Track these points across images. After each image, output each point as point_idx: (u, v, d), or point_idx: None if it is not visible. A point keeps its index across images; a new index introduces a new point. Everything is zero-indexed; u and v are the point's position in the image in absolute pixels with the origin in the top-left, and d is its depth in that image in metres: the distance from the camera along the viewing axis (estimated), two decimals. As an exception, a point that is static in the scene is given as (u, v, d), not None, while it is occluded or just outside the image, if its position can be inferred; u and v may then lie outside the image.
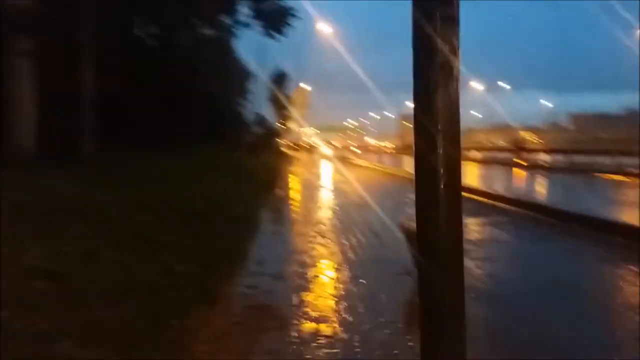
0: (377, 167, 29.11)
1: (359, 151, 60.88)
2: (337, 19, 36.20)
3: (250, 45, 43.27)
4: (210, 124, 28.20)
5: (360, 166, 31.83)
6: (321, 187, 18.29)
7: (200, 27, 35.04)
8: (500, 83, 78.03)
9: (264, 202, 11.75)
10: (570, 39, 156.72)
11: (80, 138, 14.29)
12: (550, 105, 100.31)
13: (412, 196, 1.19)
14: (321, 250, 7.34)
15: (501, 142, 51.29)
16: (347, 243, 7.61)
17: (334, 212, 11.31)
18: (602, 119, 80.00)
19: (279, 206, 12.46)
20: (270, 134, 46.53)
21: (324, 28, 32.38)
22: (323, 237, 8.37)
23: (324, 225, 9.52)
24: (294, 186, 18.68)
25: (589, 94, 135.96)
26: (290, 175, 23.86)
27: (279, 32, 38.62)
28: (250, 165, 18.79)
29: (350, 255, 6.88)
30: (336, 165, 31.93)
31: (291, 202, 13.75)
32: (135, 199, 7.65)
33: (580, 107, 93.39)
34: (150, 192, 8.36)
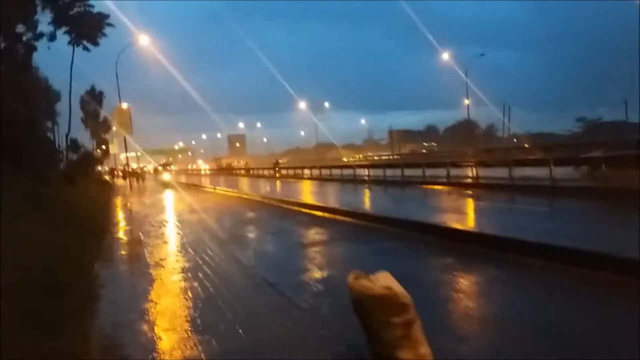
0: (225, 192, 25.30)
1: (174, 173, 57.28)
2: (160, 36, 33.15)
3: (59, 62, 37.22)
4: (8, 152, 22.63)
5: (205, 191, 27.48)
6: (166, 223, 13.43)
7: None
8: (325, 104, 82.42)
9: (90, 259, 7.86)
10: (380, 63, 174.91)
11: None
12: (364, 122, 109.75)
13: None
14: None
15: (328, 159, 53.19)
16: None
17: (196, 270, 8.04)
18: (409, 134, 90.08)
19: (115, 267, 7.90)
20: (87, 160, 40.37)
21: (145, 41, 29.08)
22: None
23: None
24: (131, 226, 13.24)
25: (397, 113, 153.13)
26: (121, 209, 19.00)
27: (93, 42, 33.81)
28: (65, 200, 14.91)
29: None
30: (175, 192, 27.09)
31: (130, 252, 9.16)
32: None
33: (389, 125, 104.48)
34: None
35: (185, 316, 4.94)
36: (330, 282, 5.96)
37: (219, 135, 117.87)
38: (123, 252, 9.15)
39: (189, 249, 8.67)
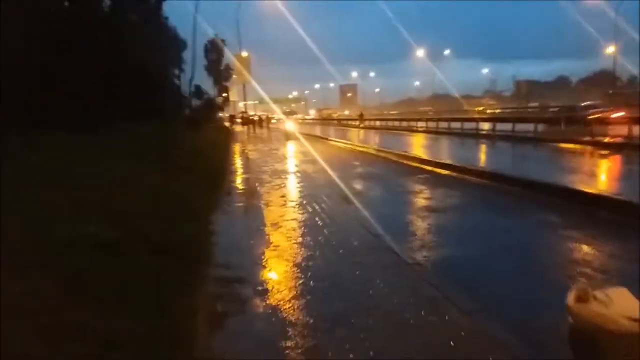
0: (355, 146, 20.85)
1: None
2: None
3: (184, 11, 38.41)
4: (139, 97, 23.85)
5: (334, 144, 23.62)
6: (282, 173, 12.31)
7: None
8: (444, 52, 77.00)
9: (220, 210, 7.52)
10: (504, 6, 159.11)
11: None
12: (485, 72, 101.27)
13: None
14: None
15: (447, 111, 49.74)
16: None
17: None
18: (537, 86, 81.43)
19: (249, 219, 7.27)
20: (209, 107, 42.05)
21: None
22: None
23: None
24: (248, 174, 12.48)
25: (521, 62, 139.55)
26: (239, 155, 18.79)
27: None
28: (188, 145, 15.05)
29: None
30: (290, 141, 25.25)
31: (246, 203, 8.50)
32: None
33: (512, 75, 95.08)
34: (27, 199, 4.89)
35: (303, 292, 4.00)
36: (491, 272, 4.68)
37: (331, 85, 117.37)
38: (240, 204, 8.61)
39: (307, 206, 7.81)
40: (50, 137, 9.25)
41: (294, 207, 7.82)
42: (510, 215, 7.34)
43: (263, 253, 5.31)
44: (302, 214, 7.27)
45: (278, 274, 4.66)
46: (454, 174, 11.24)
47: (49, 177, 5.58)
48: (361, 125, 41.60)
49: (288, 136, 27.24)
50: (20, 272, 3.49)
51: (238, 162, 16.39)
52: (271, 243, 5.74)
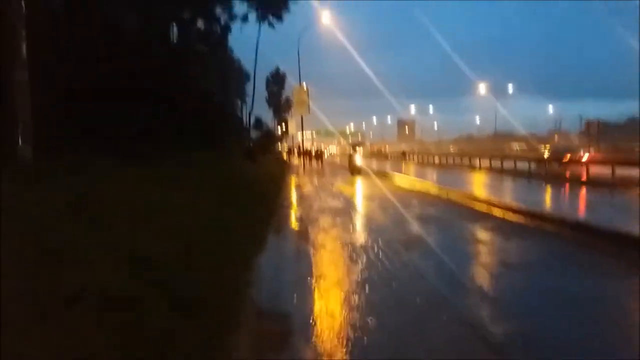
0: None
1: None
2: (337, 15, 32.33)
3: (247, 44, 39.37)
4: (200, 127, 24.04)
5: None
6: (337, 213, 10.68)
7: (191, 19, 31.22)
8: (507, 88, 74.43)
9: (263, 253, 6.57)
10: (570, 44, 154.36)
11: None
12: (551, 111, 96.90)
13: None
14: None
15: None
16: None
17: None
18: (607, 127, 76.25)
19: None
20: (268, 139, 42.33)
21: (327, 19, 28.37)
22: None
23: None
24: (300, 211, 11.34)
25: (587, 101, 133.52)
26: (294, 189, 17.88)
27: (278, 17, 34.75)
28: (242, 177, 14.54)
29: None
30: (350, 176, 23.30)
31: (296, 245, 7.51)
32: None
33: (578, 115, 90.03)
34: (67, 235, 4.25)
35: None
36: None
37: (389, 118, 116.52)
38: (287, 245, 7.72)
39: (363, 253, 6.76)
40: (94, 164, 8.86)
41: (347, 253, 6.80)
42: (609, 277, 5.90)
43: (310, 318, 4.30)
44: (356, 263, 6.23)
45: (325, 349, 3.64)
46: (537, 222, 9.39)
47: (75, 208, 4.99)
48: (414, 160, 40.67)
49: (356, 171, 24.07)
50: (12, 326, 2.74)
51: (291, 198, 15.44)
52: (319, 302, 4.75)
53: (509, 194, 15.11)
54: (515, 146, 56.56)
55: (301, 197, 15.56)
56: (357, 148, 27.06)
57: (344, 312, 4.40)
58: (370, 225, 9.65)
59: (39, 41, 9.89)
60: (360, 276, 5.60)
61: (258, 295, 4.83)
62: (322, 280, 5.50)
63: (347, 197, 15.37)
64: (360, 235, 8.50)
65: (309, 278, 5.61)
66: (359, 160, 25.41)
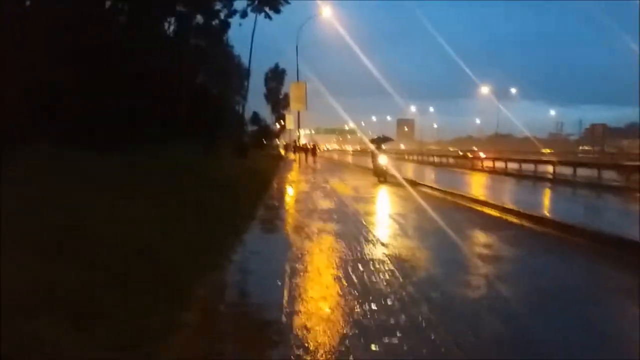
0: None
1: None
2: (338, 12, 31.51)
3: (247, 40, 38.58)
4: (191, 118, 23.32)
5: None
6: (327, 221, 9.00)
7: (190, 13, 30.44)
8: (509, 91, 73.44)
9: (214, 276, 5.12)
10: (572, 49, 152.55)
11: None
12: (553, 114, 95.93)
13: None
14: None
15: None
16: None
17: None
18: (610, 131, 75.44)
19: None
20: (262, 134, 41.59)
21: (328, 13, 27.59)
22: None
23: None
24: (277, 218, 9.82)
25: (587, 107, 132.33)
26: (277, 189, 15.71)
27: (275, 9, 33.96)
28: (222, 172, 13.75)
29: None
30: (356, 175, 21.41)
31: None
32: None
33: (578, 119, 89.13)
34: None
35: None
36: None
37: (388, 118, 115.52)
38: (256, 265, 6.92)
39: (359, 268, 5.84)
40: (58, 155, 8.09)
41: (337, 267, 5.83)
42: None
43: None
44: (351, 286, 5.00)
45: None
46: (553, 231, 8.35)
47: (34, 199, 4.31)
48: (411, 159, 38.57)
49: (381, 175, 18.31)
50: None
51: (272, 199, 13.01)
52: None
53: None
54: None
55: (283, 196, 14.66)
56: (383, 145, 19.71)
57: None
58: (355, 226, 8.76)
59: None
60: None
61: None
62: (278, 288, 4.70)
63: (329, 192, 14.20)
64: (341, 235, 7.63)
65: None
66: (384, 160, 18.58)
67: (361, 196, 13.81)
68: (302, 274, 5.41)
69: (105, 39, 18.75)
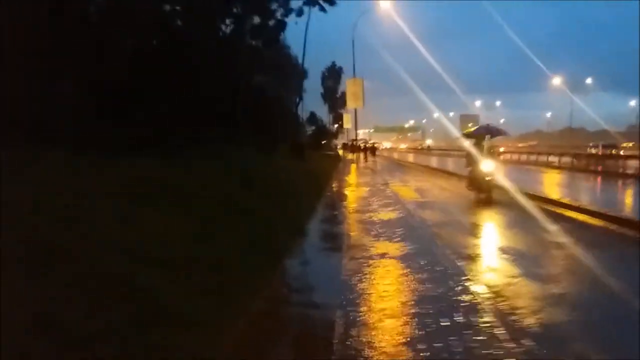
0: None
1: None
2: (396, 7, 29.84)
3: (301, 38, 37.80)
4: (249, 120, 22.74)
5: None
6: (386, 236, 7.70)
7: (246, 14, 30.05)
8: (585, 82, 67.82)
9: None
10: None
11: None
12: (633, 104, 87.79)
13: None
14: None
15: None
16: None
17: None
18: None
19: None
20: (320, 135, 40.59)
21: (386, 5, 26.10)
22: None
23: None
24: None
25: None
26: (332, 191, 14.73)
27: (330, 2, 32.91)
28: (274, 175, 12.71)
29: None
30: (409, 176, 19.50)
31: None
32: None
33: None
34: None
35: None
36: None
37: (451, 114, 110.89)
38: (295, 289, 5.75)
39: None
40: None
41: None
42: None
43: None
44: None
45: None
46: None
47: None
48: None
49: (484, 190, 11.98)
50: None
51: (326, 208, 11.46)
52: None
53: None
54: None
55: (335, 199, 13.31)
56: (485, 140, 12.64)
57: None
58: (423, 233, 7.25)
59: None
60: None
61: None
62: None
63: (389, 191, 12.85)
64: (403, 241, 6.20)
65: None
66: (489, 166, 11.97)
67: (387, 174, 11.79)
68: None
69: (163, 41, 18.56)
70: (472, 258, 6.36)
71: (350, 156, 40.11)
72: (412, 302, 4.56)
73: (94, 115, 10.88)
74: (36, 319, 2.72)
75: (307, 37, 35.14)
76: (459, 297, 4.64)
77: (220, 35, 26.15)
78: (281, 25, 34.09)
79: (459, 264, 5.95)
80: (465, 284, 5.09)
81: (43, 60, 9.96)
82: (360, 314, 4.20)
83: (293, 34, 40.47)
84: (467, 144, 13.46)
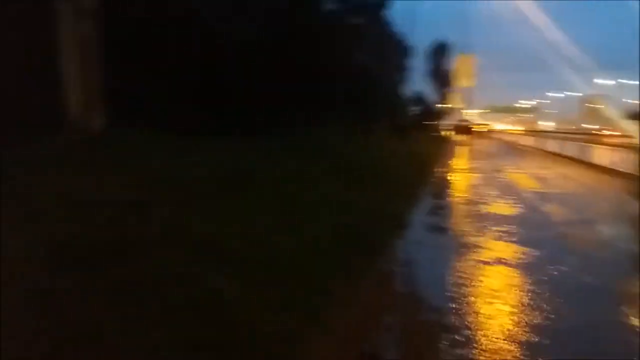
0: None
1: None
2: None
3: (407, 15, 35.76)
4: (348, 100, 21.89)
5: None
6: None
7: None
8: None
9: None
10: None
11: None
12: None
13: None
14: None
15: None
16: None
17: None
18: None
19: None
20: (428, 114, 38.33)
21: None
22: None
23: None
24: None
25: None
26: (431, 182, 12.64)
27: None
28: (375, 162, 11.65)
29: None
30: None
31: None
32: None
33: None
34: None
35: None
36: None
37: (571, 94, 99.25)
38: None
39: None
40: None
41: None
42: None
43: None
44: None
45: None
46: None
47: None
48: None
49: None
50: None
51: (426, 201, 9.52)
52: None
53: None
54: None
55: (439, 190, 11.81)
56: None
57: None
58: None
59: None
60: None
61: None
62: None
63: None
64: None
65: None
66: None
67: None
68: None
69: (266, 23, 18.30)
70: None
71: (458, 138, 37.54)
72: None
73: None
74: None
75: (414, 13, 33.16)
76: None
77: (320, 14, 25.47)
78: (383, 1, 32.52)
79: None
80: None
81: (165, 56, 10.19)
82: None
83: (399, 10, 38.56)
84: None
